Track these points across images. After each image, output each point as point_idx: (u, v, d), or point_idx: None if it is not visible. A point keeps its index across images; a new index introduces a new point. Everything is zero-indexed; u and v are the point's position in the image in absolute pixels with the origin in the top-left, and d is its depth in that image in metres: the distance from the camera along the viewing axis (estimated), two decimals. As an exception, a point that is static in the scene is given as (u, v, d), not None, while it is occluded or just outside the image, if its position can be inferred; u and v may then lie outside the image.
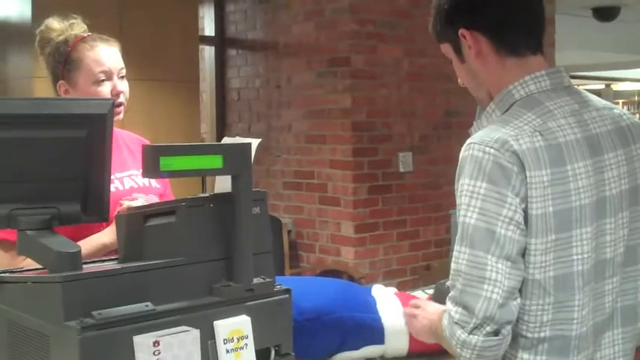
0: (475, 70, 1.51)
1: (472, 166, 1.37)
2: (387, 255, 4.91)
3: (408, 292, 2.09)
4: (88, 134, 1.46)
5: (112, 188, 2.05)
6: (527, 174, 1.35)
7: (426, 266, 5.03)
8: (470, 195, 1.37)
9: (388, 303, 1.87)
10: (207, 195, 1.49)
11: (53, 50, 2.11)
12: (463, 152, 1.41)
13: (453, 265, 1.40)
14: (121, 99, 2.11)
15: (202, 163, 1.39)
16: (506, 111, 1.46)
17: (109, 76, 2.09)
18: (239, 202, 1.43)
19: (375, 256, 4.86)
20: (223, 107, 5.68)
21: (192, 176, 1.39)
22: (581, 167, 1.40)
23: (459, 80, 1.57)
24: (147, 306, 1.32)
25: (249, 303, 1.44)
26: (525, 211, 1.36)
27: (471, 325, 1.35)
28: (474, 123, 1.53)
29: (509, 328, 1.37)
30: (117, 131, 2.21)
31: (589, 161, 1.42)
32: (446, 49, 1.54)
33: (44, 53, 2.14)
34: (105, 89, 2.08)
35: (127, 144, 2.22)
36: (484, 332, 1.35)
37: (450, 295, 1.41)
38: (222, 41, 5.66)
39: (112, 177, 2.08)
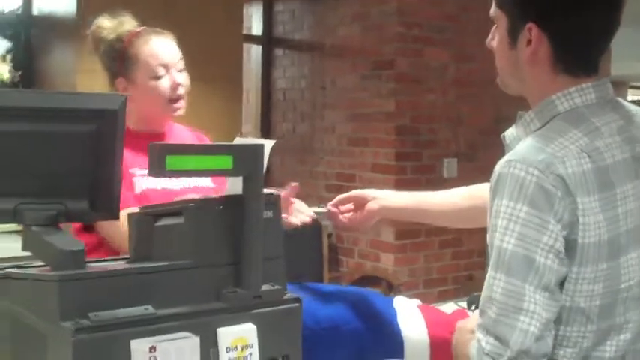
0: (520, 64, 1.39)
1: (512, 187, 1.27)
2: (428, 263, 4.82)
3: (432, 305, 2.01)
4: (99, 129, 1.42)
5: (163, 186, 2.03)
6: (578, 199, 1.26)
7: (468, 276, 4.92)
8: (508, 218, 1.27)
9: (410, 316, 1.80)
10: (217, 196, 1.44)
11: (107, 48, 2.11)
12: (502, 169, 1.30)
13: (485, 292, 1.30)
14: (180, 91, 2.09)
15: (211, 163, 1.34)
16: (546, 123, 1.36)
17: (167, 69, 2.07)
18: (249, 205, 1.38)
19: (416, 264, 4.77)
20: (268, 107, 5.66)
21: (201, 177, 1.34)
22: (629, 190, 1.32)
23: (487, 41, 1.45)
24: (147, 309, 1.28)
25: (255, 310, 1.38)
26: (567, 239, 1.27)
27: (505, 358, 1.25)
28: (510, 129, 1.44)
29: None
30: (176, 127, 2.23)
31: (636, 182, 1.34)
32: (499, 16, 1.41)
33: (99, 52, 2.13)
34: (164, 83, 2.06)
35: (184, 140, 2.20)
36: None
37: (479, 322, 1.31)
38: (269, 41, 5.64)
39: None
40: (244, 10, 5.64)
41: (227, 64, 4.60)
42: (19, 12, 4.43)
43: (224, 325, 1.34)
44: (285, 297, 1.44)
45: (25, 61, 4.38)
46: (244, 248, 1.38)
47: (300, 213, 1.90)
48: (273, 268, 1.45)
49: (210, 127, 4.43)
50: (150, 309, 1.28)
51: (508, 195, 1.27)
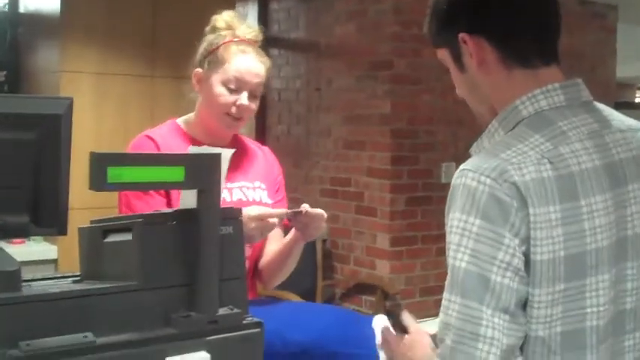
0: (477, 82, 1.29)
1: (464, 198, 1.15)
2: (425, 270, 4.68)
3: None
4: (40, 137, 1.29)
5: None
6: (531, 211, 1.13)
7: (467, 283, 4.78)
8: (461, 233, 1.15)
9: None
10: (170, 211, 1.31)
11: (208, 36, 2.04)
12: (455, 180, 1.19)
13: (441, 316, 1.17)
14: (241, 115, 1.98)
15: (160, 174, 1.21)
16: (510, 130, 1.23)
17: (239, 87, 1.96)
18: (204, 221, 1.25)
19: (412, 272, 4.63)
20: (264, 108, 5.53)
21: (149, 190, 1.21)
22: (599, 202, 1.17)
23: (457, 91, 1.36)
24: (86, 337, 1.15)
25: (210, 337, 1.26)
26: (527, 255, 1.13)
27: None
28: (475, 143, 1.31)
29: None
30: (244, 140, 2.16)
31: (609, 194, 1.19)
32: (443, 55, 1.33)
33: (204, 38, 2.07)
34: (229, 97, 1.97)
35: (246, 152, 2.12)
36: None
37: (438, 351, 1.18)
38: (264, 40, 5.50)
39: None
40: (240, 10, 5.51)
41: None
42: (5, 9, 4.31)
43: (175, 354, 1.22)
44: (244, 322, 1.31)
45: (11, 60, 4.26)
46: (198, 268, 1.26)
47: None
48: (233, 290, 1.32)
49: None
50: (89, 337, 1.16)
51: (460, 207, 1.16)
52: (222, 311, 1.28)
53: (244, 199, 1.99)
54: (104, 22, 3.79)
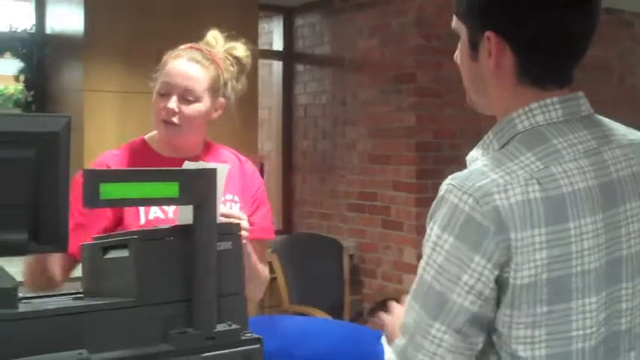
0: (484, 78, 1.23)
1: (444, 213, 1.14)
2: (453, 284, 4.62)
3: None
4: (38, 154, 1.30)
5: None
6: (512, 236, 1.10)
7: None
8: (433, 247, 1.15)
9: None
10: (167, 227, 1.30)
11: None
12: (441, 191, 1.17)
13: (404, 315, 1.22)
14: (173, 119, 1.90)
15: (154, 191, 1.21)
16: (504, 145, 1.19)
17: (168, 91, 1.91)
18: (200, 236, 1.24)
19: (439, 285, 4.58)
20: (290, 124, 5.54)
21: (143, 206, 1.21)
22: (589, 224, 1.13)
23: (456, 60, 1.29)
24: (80, 354, 1.15)
25: (208, 354, 1.25)
26: (501, 279, 1.12)
27: None
28: (473, 150, 1.27)
29: None
30: (219, 151, 2.07)
31: (600, 216, 1.15)
32: (459, 27, 1.25)
33: None
34: (160, 102, 1.92)
35: (219, 162, 2.01)
36: None
37: (396, 342, 1.24)
38: (290, 56, 5.52)
39: None
40: (265, 26, 5.53)
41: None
42: (32, 31, 4.38)
43: (171, 371, 1.21)
44: (243, 338, 1.30)
45: (38, 80, 4.32)
46: (195, 284, 1.25)
47: None
48: (231, 306, 1.32)
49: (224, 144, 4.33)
50: (84, 354, 1.16)
51: (439, 221, 1.15)
52: (220, 327, 1.27)
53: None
54: (127, 40, 3.83)
